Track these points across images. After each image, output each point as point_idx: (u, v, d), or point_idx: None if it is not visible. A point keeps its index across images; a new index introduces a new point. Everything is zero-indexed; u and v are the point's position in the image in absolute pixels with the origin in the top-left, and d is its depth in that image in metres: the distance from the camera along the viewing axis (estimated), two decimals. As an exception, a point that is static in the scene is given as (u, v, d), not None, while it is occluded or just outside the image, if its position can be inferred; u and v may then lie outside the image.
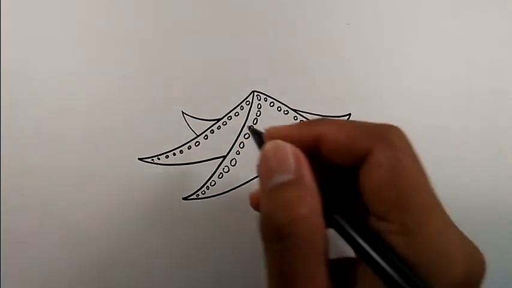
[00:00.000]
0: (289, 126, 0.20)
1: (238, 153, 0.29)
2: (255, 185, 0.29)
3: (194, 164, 0.29)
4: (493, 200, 0.31)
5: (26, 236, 0.29)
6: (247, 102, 0.29)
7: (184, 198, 0.29)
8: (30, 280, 0.30)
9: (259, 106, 0.29)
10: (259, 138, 0.20)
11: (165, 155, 0.29)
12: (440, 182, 0.30)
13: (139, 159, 0.29)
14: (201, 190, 0.29)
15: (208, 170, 0.29)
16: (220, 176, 0.29)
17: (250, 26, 0.28)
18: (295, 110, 0.29)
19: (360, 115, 0.29)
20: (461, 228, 0.18)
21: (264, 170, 0.18)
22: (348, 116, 0.29)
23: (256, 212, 0.29)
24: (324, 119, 0.20)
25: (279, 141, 0.18)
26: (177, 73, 0.28)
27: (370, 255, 0.17)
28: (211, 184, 0.29)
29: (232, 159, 0.29)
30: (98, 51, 0.28)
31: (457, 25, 0.28)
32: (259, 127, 0.29)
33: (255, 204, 0.22)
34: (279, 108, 0.29)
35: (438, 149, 0.30)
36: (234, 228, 0.29)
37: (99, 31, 0.28)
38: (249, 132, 0.25)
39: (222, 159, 0.29)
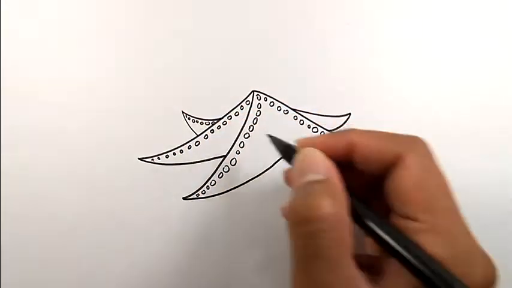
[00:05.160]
0: (321, 136, 0.22)
1: (238, 152, 0.29)
2: (255, 184, 0.29)
3: (194, 164, 0.29)
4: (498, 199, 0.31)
5: (26, 237, 0.29)
6: (247, 102, 0.29)
7: (184, 198, 0.30)
8: (30, 281, 0.30)
9: (259, 106, 0.29)
10: (284, 148, 0.22)
11: (165, 154, 0.29)
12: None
13: (139, 159, 0.29)
14: (201, 190, 0.29)
15: (209, 170, 0.29)
16: (220, 176, 0.29)
17: (250, 26, 0.28)
18: (295, 110, 0.29)
19: (360, 115, 0.29)
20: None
21: (299, 169, 0.20)
22: (347, 116, 0.29)
23: (257, 212, 0.29)
24: (354, 129, 0.22)
25: (312, 149, 0.21)
26: (177, 73, 0.28)
27: (401, 254, 0.18)
28: (212, 184, 0.29)
29: (232, 159, 0.29)
30: (98, 52, 0.28)
31: (458, 25, 0.29)
32: (259, 127, 0.29)
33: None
34: (279, 108, 0.29)
35: (439, 147, 0.30)
36: (234, 228, 0.29)
37: (100, 31, 0.27)
38: (270, 140, 0.24)
39: (222, 159, 0.29)
